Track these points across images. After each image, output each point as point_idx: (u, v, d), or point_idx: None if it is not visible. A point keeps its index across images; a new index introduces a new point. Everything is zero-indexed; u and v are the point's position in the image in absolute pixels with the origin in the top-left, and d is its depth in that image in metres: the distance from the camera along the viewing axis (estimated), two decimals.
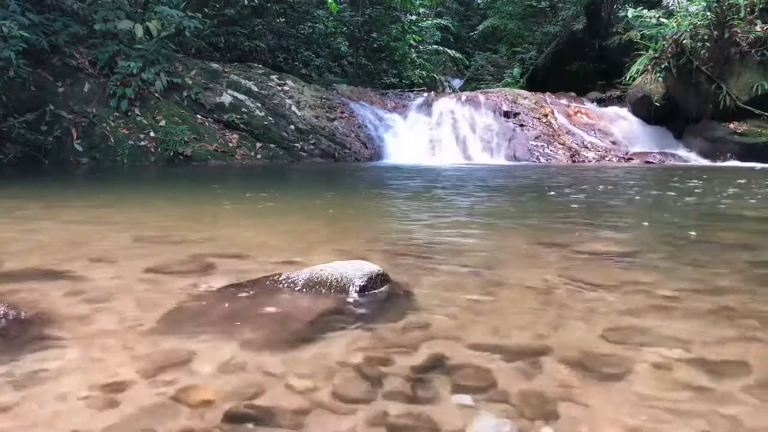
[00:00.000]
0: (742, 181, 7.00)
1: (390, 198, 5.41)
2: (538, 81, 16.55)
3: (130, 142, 9.51)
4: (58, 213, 4.08)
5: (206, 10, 13.02)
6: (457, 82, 22.71)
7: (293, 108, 11.21)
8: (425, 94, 13.54)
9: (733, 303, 1.88)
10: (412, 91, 14.95)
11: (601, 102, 13.98)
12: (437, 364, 1.39)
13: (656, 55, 11.64)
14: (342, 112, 11.68)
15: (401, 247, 2.78)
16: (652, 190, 6.13)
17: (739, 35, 10.75)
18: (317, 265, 2.02)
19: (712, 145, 11.01)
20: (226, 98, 10.71)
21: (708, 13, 10.83)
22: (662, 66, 11.49)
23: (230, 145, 10.25)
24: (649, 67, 11.82)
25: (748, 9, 10.67)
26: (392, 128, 11.78)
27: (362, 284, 1.90)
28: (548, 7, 19.73)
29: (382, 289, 1.93)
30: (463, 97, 12.80)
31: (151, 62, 10.02)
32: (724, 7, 10.61)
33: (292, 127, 10.96)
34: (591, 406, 1.19)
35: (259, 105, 10.93)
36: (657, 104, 11.85)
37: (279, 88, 11.47)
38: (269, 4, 14.21)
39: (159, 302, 1.84)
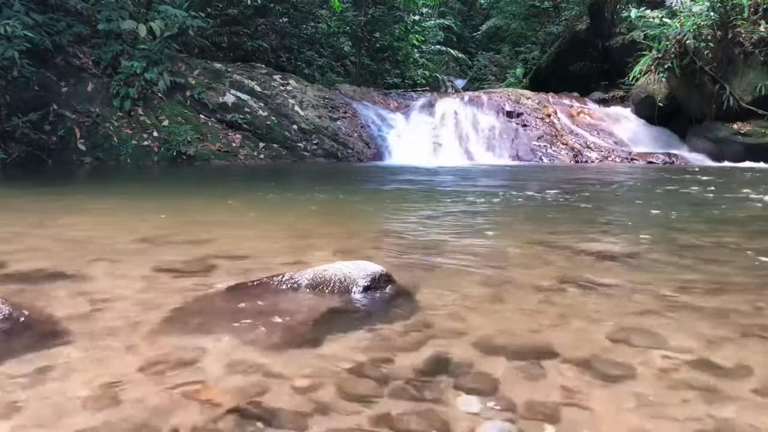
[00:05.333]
0: (746, 181, 6.99)
1: (393, 198, 5.41)
2: (541, 81, 16.52)
3: (134, 141, 9.53)
4: (62, 213, 4.09)
5: (209, 9, 13.04)
6: (459, 82, 22.69)
7: (296, 108, 11.22)
8: (428, 95, 13.53)
9: (738, 304, 1.87)
10: (415, 91, 14.95)
11: (604, 102, 13.95)
12: (441, 364, 1.39)
13: (659, 55, 11.60)
14: (345, 112, 11.68)
15: (404, 247, 2.78)
16: (655, 191, 6.12)
17: (743, 35, 10.71)
18: (321, 265, 2.02)
19: (715, 145, 10.98)
20: (229, 98, 10.72)
21: (711, 14, 10.80)
22: (665, 66, 11.45)
23: (233, 145, 10.27)
24: (653, 67, 11.78)
25: (752, 9, 10.64)
26: (395, 128, 11.77)
27: (366, 285, 1.90)
28: (551, 7, 19.68)
29: (386, 289, 1.94)
30: (466, 97, 12.79)
31: (154, 62, 10.04)
32: (728, 8, 10.58)
33: (295, 127, 10.97)
34: (595, 407, 1.19)
35: (262, 105, 10.94)
36: (660, 104, 11.82)
37: (282, 88, 11.47)
38: (272, 4, 14.23)
39: (163, 302, 1.84)
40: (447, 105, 12.33)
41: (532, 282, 2.13)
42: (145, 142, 9.63)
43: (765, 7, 10.63)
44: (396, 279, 2.02)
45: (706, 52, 10.89)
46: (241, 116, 10.55)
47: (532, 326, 1.66)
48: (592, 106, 13.50)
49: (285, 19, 14.94)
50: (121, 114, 9.77)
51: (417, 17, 18.53)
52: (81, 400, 1.21)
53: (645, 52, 11.96)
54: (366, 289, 1.89)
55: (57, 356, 1.43)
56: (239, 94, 10.87)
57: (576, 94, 14.06)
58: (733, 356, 1.45)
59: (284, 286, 1.93)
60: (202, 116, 10.45)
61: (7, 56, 8.11)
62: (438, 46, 21.52)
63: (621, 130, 12.38)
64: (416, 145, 11.29)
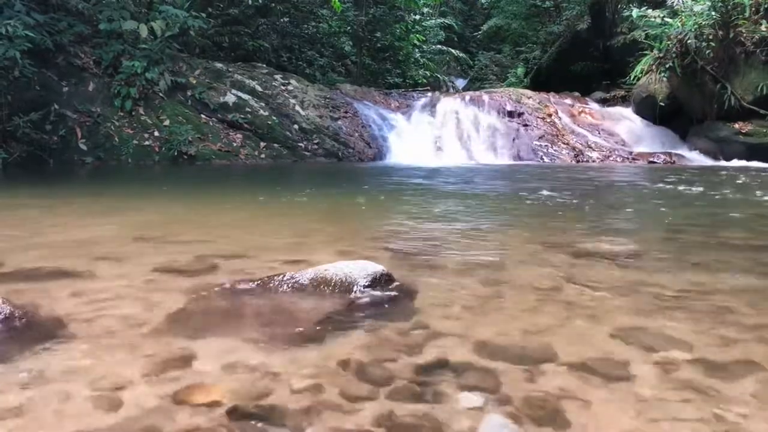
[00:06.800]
0: (746, 181, 6.98)
1: (394, 198, 5.41)
2: (541, 81, 16.51)
3: (135, 141, 9.53)
4: (64, 212, 4.10)
5: (210, 9, 13.04)
6: (460, 82, 22.70)
7: (297, 108, 11.22)
8: (429, 94, 13.52)
9: (738, 303, 1.87)
10: (416, 90, 14.95)
11: (605, 102, 13.93)
12: (442, 364, 1.39)
13: (661, 54, 11.59)
14: (346, 112, 11.67)
15: (405, 247, 2.78)
16: (656, 191, 6.11)
17: (744, 35, 10.70)
18: (322, 265, 2.02)
19: (716, 145, 10.97)
20: (230, 98, 10.72)
21: (713, 13, 10.79)
22: (667, 66, 11.44)
23: (234, 144, 10.27)
24: (654, 67, 11.77)
25: (753, 9, 10.63)
26: (396, 128, 11.76)
27: (367, 284, 1.90)
28: (552, 7, 19.67)
29: (387, 289, 1.93)
30: (467, 97, 12.78)
31: (155, 62, 10.04)
32: (729, 7, 10.57)
33: (296, 126, 10.96)
34: (595, 407, 1.19)
35: (263, 105, 10.94)
36: (661, 104, 11.81)
37: (283, 88, 11.47)
38: (273, 4, 14.23)
39: (164, 302, 1.84)
40: (448, 105, 12.32)
41: (532, 282, 2.13)
42: (146, 142, 9.63)
43: (766, 6, 10.62)
44: (397, 278, 2.02)
45: (707, 52, 10.88)
46: (242, 116, 10.55)
47: (532, 326, 1.66)
48: (593, 106, 13.49)
49: (286, 19, 14.94)
50: (122, 114, 9.77)
51: (418, 17, 18.52)
52: (82, 401, 1.21)
53: (646, 52, 11.95)
54: (367, 288, 1.89)
55: (58, 356, 1.43)
56: (240, 93, 10.87)
57: (577, 93, 14.04)
58: (734, 357, 1.45)
59: (285, 286, 1.93)
60: (203, 116, 10.45)
61: (9, 56, 8.11)
62: (439, 46, 21.52)
63: (622, 130, 12.37)
64: (417, 145, 11.28)
